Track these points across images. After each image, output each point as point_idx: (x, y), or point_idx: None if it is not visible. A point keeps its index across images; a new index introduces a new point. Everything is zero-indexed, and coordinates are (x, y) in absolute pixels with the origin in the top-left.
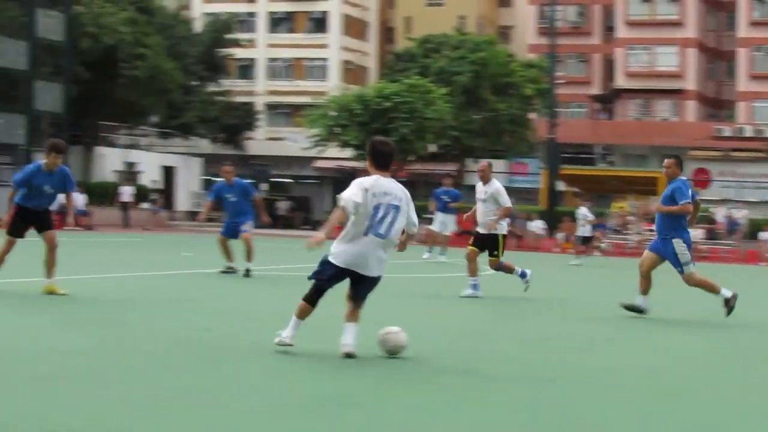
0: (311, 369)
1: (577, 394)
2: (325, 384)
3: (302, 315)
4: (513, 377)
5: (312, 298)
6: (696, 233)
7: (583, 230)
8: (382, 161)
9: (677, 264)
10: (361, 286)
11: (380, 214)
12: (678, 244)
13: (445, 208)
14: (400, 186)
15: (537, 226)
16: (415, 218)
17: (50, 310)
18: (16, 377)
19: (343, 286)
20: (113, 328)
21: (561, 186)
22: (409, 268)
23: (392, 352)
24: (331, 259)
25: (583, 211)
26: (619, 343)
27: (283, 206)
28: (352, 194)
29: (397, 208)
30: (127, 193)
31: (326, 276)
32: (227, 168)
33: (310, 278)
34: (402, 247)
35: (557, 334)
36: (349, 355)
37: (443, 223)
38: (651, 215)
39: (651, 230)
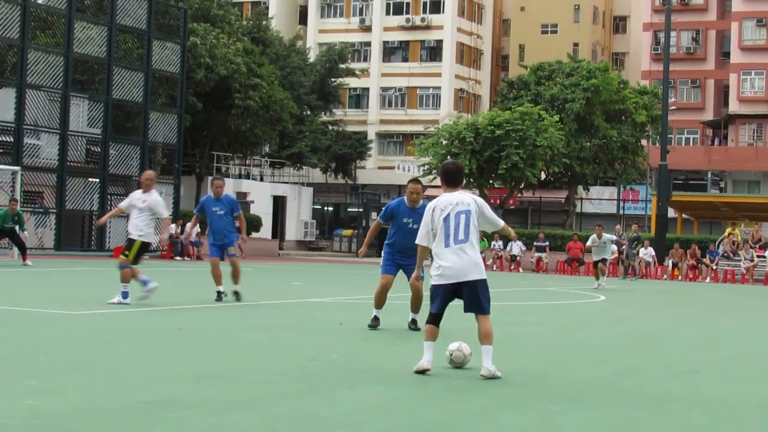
0: (415, 397)
1: (681, 421)
2: (431, 410)
3: (431, 337)
4: (615, 403)
5: (432, 320)
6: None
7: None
8: (448, 179)
9: None
10: (472, 294)
11: (452, 223)
12: None
13: None
14: (469, 195)
15: (646, 253)
16: (494, 217)
17: (162, 340)
18: (128, 404)
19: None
20: (227, 357)
21: (671, 213)
22: None
23: (461, 365)
24: (434, 282)
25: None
26: (730, 370)
27: None
28: (420, 231)
29: (467, 212)
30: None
31: (437, 302)
32: (218, 182)
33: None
34: (506, 231)
35: (665, 360)
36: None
37: None
38: (763, 241)
39: (763, 257)
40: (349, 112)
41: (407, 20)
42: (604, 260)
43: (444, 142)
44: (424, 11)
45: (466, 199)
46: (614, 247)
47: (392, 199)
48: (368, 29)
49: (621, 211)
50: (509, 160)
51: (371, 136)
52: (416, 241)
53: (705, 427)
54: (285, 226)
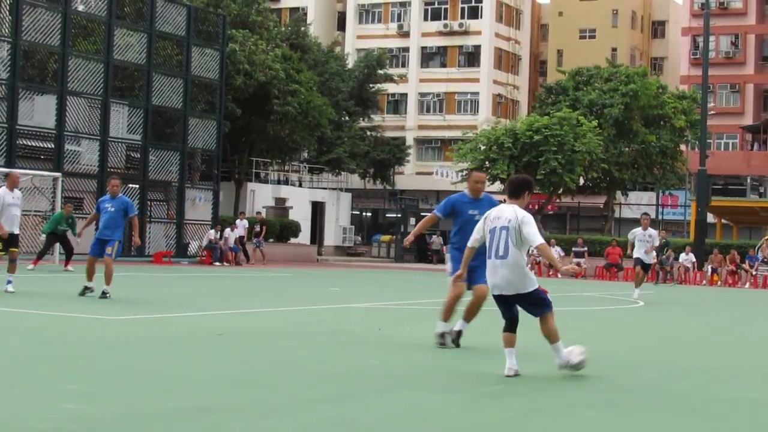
0: (453, 402)
1: (718, 426)
2: (468, 415)
3: (509, 344)
4: (653, 409)
5: (507, 327)
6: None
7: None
8: (509, 189)
9: None
10: (522, 304)
11: (495, 237)
12: None
13: None
14: (513, 210)
15: (686, 258)
16: (529, 235)
17: (201, 345)
18: (166, 409)
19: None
20: (263, 362)
21: (710, 218)
22: None
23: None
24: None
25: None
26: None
27: (437, 241)
28: (472, 238)
29: (506, 228)
30: (241, 226)
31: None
32: (114, 181)
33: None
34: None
35: (703, 366)
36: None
37: None
38: None
39: None
40: (388, 117)
41: (445, 26)
42: (645, 265)
43: (482, 148)
44: (462, 17)
45: (509, 215)
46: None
47: (433, 206)
48: (406, 35)
49: (660, 217)
50: (548, 166)
51: (409, 141)
52: (468, 244)
53: None
54: (324, 232)
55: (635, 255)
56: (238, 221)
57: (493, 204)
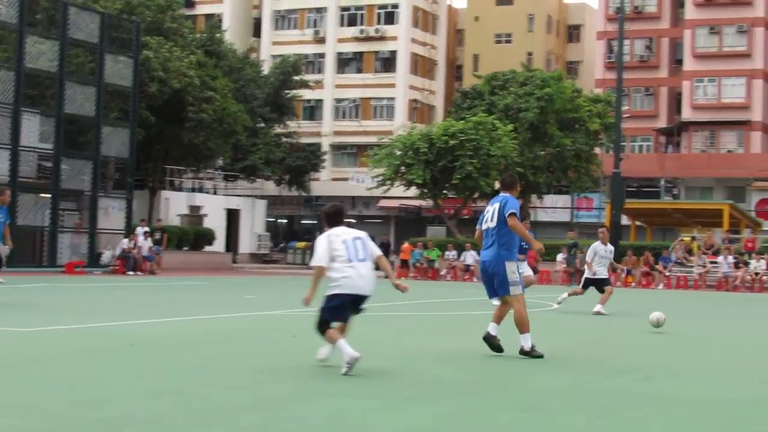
0: (376, 407)
1: (638, 426)
2: (391, 421)
3: (338, 336)
4: (574, 409)
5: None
6: (759, 264)
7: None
8: (331, 221)
9: None
10: (361, 305)
11: (350, 245)
12: None
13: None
14: (354, 229)
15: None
16: (374, 248)
17: (115, 355)
18: (87, 421)
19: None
20: (184, 371)
21: (625, 220)
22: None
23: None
24: (329, 292)
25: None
26: (687, 374)
27: None
28: (317, 254)
29: (360, 238)
30: (141, 233)
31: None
32: (7, 191)
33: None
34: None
35: (624, 365)
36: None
37: None
38: (715, 247)
39: (715, 262)
40: (303, 123)
41: (361, 31)
42: (604, 282)
43: (398, 153)
44: (378, 22)
45: (355, 232)
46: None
47: (349, 211)
48: (322, 41)
49: (575, 219)
50: (463, 170)
51: (325, 147)
52: (316, 265)
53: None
54: (239, 239)
55: (601, 275)
56: (138, 228)
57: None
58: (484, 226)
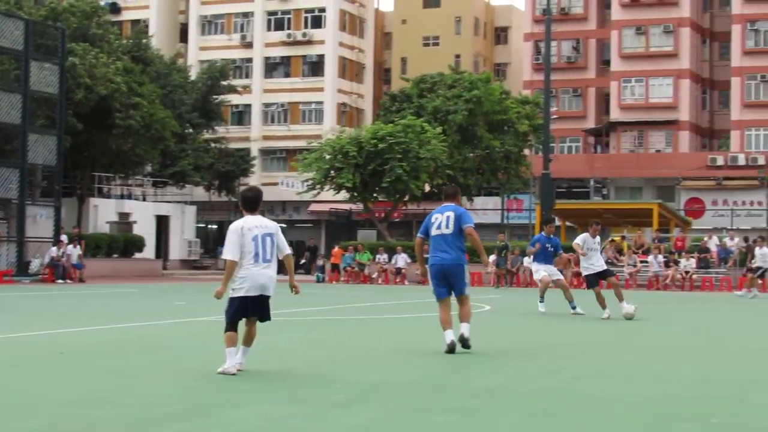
0: (304, 414)
1: (567, 426)
2: (319, 426)
3: (232, 343)
4: (504, 411)
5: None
6: (689, 262)
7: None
8: (248, 205)
9: None
10: (263, 307)
11: (260, 243)
12: None
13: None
14: (268, 220)
15: (530, 261)
16: (284, 242)
17: (44, 365)
18: (12, 430)
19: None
20: (114, 379)
21: (555, 221)
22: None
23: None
24: (233, 294)
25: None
26: (613, 374)
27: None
28: (228, 247)
29: (272, 236)
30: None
31: (234, 310)
32: None
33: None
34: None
35: (553, 366)
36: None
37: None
38: (645, 247)
39: (645, 262)
40: (232, 129)
41: (288, 35)
42: (608, 273)
43: (327, 157)
44: (305, 26)
45: (268, 223)
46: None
47: (280, 216)
48: (249, 45)
49: (505, 221)
50: (393, 173)
51: (254, 152)
52: (227, 258)
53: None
54: (169, 246)
55: (599, 267)
56: (63, 236)
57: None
58: (437, 232)
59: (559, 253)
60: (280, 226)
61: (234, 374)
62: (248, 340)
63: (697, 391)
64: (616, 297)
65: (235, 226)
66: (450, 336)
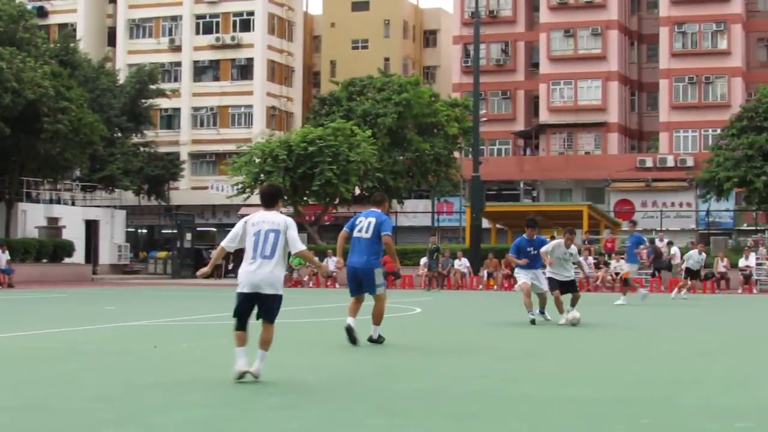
0: (240, 417)
1: (497, 428)
2: (254, 429)
3: (238, 342)
4: (434, 414)
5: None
6: (619, 264)
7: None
8: (263, 200)
9: None
10: (264, 306)
11: (260, 239)
12: None
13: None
14: (281, 216)
15: (462, 264)
16: (296, 239)
17: None
18: None
19: None
20: (44, 385)
21: (485, 223)
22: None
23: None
24: (237, 289)
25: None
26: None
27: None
28: (227, 237)
29: (276, 232)
30: None
31: (235, 306)
32: None
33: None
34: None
35: (483, 369)
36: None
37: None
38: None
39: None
40: (161, 132)
41: (217, 39)
42: (571, 283)
43: (257, 161)
44: (234, 29)
45: (277, 219)
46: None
47: (209, 220)
48: (178, 49)
49: (436, 223)
50: (323, 177)
51: (184, 156)
52: (222, 244)
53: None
54: (99, 250)
55: (562, 278)
56: None
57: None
58: (357, 235)
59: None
60: (209, 230)
61: (241, 377)
62: (261, 343)
63: (628, 392)
64: (571, 301)
65: (242, 220)
66: (349, 321)
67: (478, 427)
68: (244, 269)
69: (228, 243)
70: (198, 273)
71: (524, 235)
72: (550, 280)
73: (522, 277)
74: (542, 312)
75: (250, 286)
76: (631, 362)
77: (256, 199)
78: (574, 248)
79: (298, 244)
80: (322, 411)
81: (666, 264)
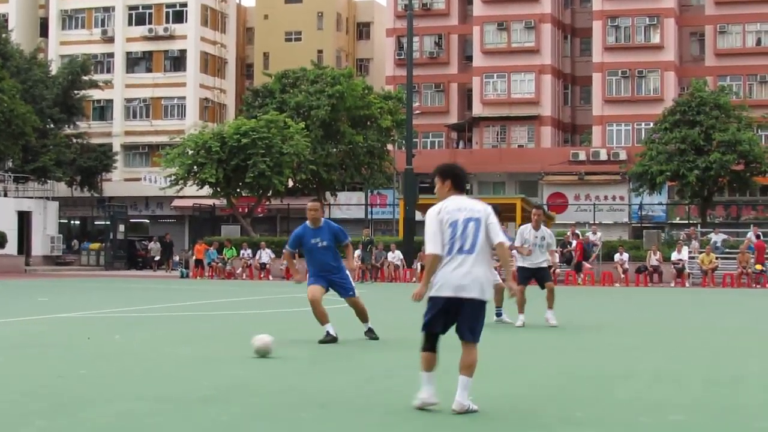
0: (164, 410)
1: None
2: (183, 423)
3: (429, 366)
4: (364, 408)
5: (427, 346)
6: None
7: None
8: (458, 182)
9: None
10: (465, 317)
11: (459, 231)
12: None
13: None
14: (479, 202)
15: (395, 256)
16: (497, 232)
17: None
18: None
19: None
20: None
21: (419, 216)
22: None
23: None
24: (431, 294)
25: None
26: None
27: (154, 247)
28: (429, 239)
29: (477, 221)
30: None
31: (431, 318)
32: None
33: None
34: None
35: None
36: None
37: None
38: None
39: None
40: (94, 124)
41: (150, 30)
42: (542, 270)
43: (190, 153)
44: (167, 21)
45: (476, 206)
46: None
47: (142, 212)
48: (111, 40)
49: (369, 216)
50: (256, 168)
51: (116, 148)
52: (430, 253)
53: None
54: (31, 242)
55: (532, 265)
56: None
57: (332, 229)
58: (322, 245)
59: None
60: (142, 222)
61: (428, 408)
62: (462, 367)
63: (561, 386)
64: (546, 301)
65: (432, 212)
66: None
67: (408, 417)
68: (441, 269)
69: (437, 247)
70: (414, 296)
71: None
72: (520, 270)
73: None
74: (499, 315)
75: (450, 288)
76: (564, 355)
77: (190, 190)
78: (545, 230)
79: (499, 235)
80: (253, 403)
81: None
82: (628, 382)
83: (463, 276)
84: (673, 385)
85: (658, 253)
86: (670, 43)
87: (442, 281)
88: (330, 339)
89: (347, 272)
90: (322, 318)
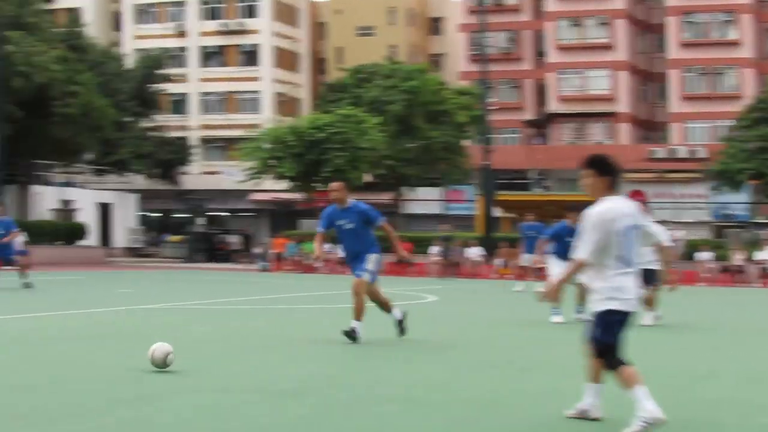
0: (249, 401)
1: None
2: (268, 413)
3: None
4: (450, 401)
5: (622, 359)
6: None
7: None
8: (616, 179)
9: None
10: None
11: (627, 240)
12: None
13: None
14: (632, 202)
15: (474, 252)
16: (656, 231)
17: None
18: None
19: None
20: (60, 365)
21: (497, 212)
22: None
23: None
24: (612, 306)
25: None
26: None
27: (235, 240)
28: (584, 242)
29: (637, 228)
30: None
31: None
32: None
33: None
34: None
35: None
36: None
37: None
38: None
39: None
40: (171, 117)
41: (223, 24)
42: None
43: (266, 146)
44: (240, 15)
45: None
46: None
47: (221, 205)
48: (184, 34)
49: (447, 212)
50: (332, 163)
51: (193, 141)
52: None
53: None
54: (112, 234)
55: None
56: None
57: (360, 210)
58: (348, 227)
59: None
60: (220, 215)
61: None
62: (596, 374)
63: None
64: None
65: (595, 215)
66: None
67: (493, 414)
68: (617, 283)
69: (591, 256)
70: (545, 296)
71: (565, 221)
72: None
73: (557, 268)
74: (580, 312)
75: (635, 303)
76: (643, 354)
77: (268, 184)
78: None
79: (661, 236)
80: (334, 396)
81: None
82: (712, 381)
83: (638, 289)
84: (759, 386)
85: (743, 252)
86: (748, 39)
87: (629, 294)
88: (352, 337)
89: (374, 256)
90: (357, 312)
